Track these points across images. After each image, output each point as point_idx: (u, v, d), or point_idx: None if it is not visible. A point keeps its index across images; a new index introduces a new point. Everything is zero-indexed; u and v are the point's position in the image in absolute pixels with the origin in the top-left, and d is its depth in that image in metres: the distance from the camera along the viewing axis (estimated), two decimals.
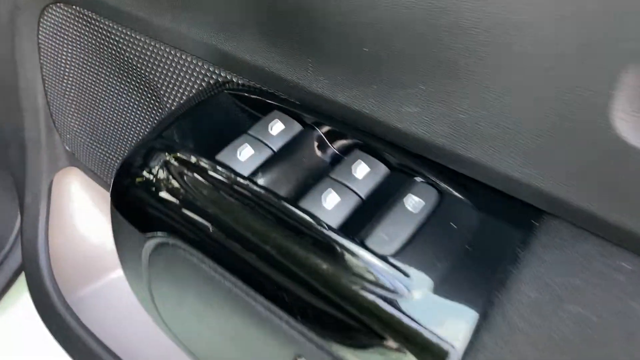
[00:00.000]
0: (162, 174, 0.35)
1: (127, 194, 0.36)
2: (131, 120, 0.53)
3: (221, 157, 0.34)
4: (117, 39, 0.47)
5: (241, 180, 0.32)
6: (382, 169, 0.33)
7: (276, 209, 0.31)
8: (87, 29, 0.50)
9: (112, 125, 0.56)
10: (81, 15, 0.50)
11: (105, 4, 0.46)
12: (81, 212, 0.72)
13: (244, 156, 0.34)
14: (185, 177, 0.34)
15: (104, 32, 0.48)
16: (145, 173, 0.36)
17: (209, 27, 0.38)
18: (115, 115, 0.54)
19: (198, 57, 0.42)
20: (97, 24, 0.49)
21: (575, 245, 0.28)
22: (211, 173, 0.33)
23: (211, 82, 0.42)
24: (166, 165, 0.35)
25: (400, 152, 0.33)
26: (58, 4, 0.52)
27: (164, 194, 0.34)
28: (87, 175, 0.67)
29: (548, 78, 0.25)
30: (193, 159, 0.34)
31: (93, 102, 0.56)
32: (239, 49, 0.37)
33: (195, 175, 0.34)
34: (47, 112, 0.63)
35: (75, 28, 0.52)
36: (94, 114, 0.57)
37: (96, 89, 0.55)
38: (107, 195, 0.68)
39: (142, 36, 0.45)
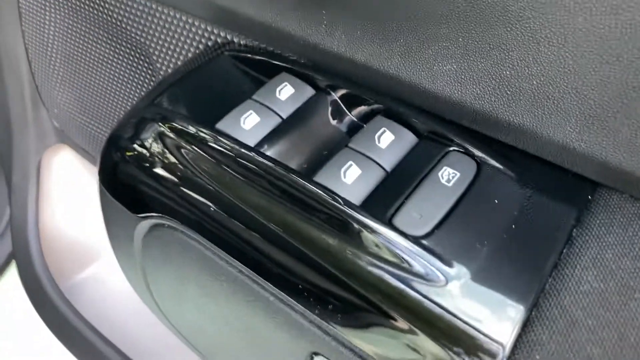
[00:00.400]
0: (155, 147, 0.31)
1: (117, 170, 0.32)
2: (123, 90, 0.48)
3: (222, 125, 0.30)
4: None
5: (246, 152, 0.28)
6: (409, 137, 0.29)
7: (288, 185, 0.27)
8: None
9: (102, 96, 0.51)
10: None
11: None
12: (72, 193, 0.68)
13: (249, 124, 0.30)
14: (182, 150, 0.30)
15: None
16: (136, 146, 0.31)
17: None
18: (105, 85, 0.50)
19: (194, 15, 0.37)
20: None
21: None
22: (211, 144, 0.29)
23: (209, 43, 0.38)
24: (160, 136, 0.31)
25: (430, 117, 0.29)
26: None
27: (158, 170, 0.30)
28: (78, 153, 0.63)
29: (624, 22, 0.20)
30: (191, 129, 0.30)
31: (81, 72, 0.51)
32: (241, 3, 0.33)
33: (194, 147, 0.29)
34: (32, 84, 0.58)
35: None
36: (82, 85, 0.52)
37: (83, 56, 0.50)
38: None
39: None
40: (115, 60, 0.47)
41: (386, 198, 0.26)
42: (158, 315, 0.40)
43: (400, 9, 0.26)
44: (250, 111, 0.30)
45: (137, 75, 0.45)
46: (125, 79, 0.47)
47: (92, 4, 0.44)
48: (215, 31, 0.37)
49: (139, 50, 0.43)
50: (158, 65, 0.42)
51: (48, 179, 0.66)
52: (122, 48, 0.45)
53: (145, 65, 0.44)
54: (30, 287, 0.68)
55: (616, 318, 0.22)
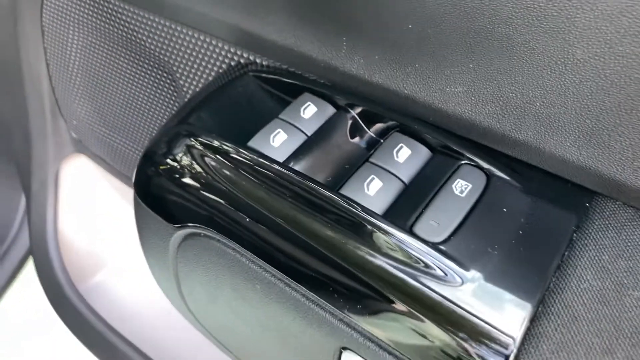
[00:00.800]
0: (190, 162, 0.33)
1: (153, 184, 0.35)
2: (144, 104, 0.51)
3: (254, 143, 0.33)
4: (128, 20, 0.45)
5: (277, 168, 0.31)
6: (424, 152, 0.32)
7: (316, 197, 0.29)
8: (95, 10, 0.48)
9: (123, 110, 0.53)
10: None
11: None
12: (90, 199, 0.70)
13: (278, 142, 0.33)
14: (216, 166, 0.32)
15: (113, 13, 0.46)
16: (172, 161, 0.34)
17: (231, 5, 0.36)
18: (126, 99, 0.52)
19: (218, 37, 0.40)
20: (105, 4, 0.46)
21: (633, 227, 0.27)
22: (245, 161, 0.32)
23: (232, 63, 0.41)
24: (195, 152, 0.33)
25: (442, 133, 0.31)
26: None
27: (194, 184, 0.33)
28: (95, 162, 0.65)
29: (616, 54, 0.23)
30: (224, 146, 0.33)
31: (101, 87, 0.54)
32: (265, 28, 0.35)
33: (228, 163, 0.32)
34: (52, 98, 0.61)
35: (81, 10, 0.49)
36: (103, 99, 0.55)
37: (105, 72, 0.52)
38: (116, 181, 0.66)
39: (156, 16, 0.43)
40: (137, 76, 0.49)
41: (406, 208, 0.29)
42: (188, 317, 0.42)
43: (415, 36, 0.29)
44: (279, 129, 0.33)
45: (159, 90, 0.48)
46: (147, 94, 0.50)
47: (115, 24, 0.47)
48: (239, 52, 0.39)
49: (161, 68, 0.46)
50: (181, 82, 0.45)
51: (66, 186, 0.69)
52: (145, 65, 0.48)
53: (168, 81, 0.46)
54: (49, 289, 0.70)
55: (612, 312, 0.25)
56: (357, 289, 0.27)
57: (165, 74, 0.46)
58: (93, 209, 0.71)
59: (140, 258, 0.73)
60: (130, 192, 0.63)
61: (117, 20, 0.46)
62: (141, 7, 0.43)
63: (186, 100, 0.43)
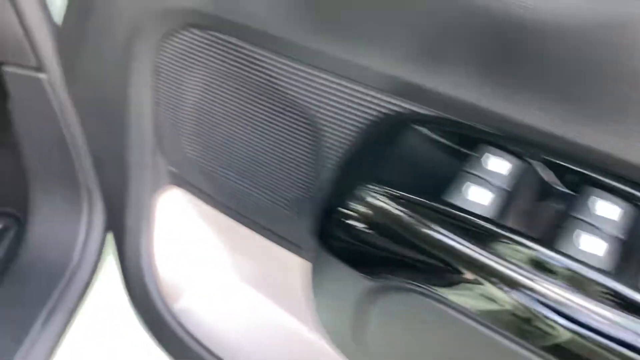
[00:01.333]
0: (384, 216, 0.35)
1: (346, 238, 0.36)
2: (273, 145, 0.52)
3: (448, 197, 0.34)
4: (265, 66, 0.46)
5: (483, 223, 0.32)
6: (627, 207, 0.33)
7: (534, 253, 0.31)
8: (222, 53, 0.49)
9: (247, 150, 0.54)
10: (217, 40, 0.48)
11: (259, 31, 0.44)
12: (185, 230, 0.72)
13: (472, 196, 0.34)
14: (416, 218, 0.34)
15: (245, 57, 0.47)
16: (362, 215, 0.35)
17: (397, 58, 0.37)
18: (250, 139, 0.53)
19: (373, 87, 0.41)
20: (237, 49, 0.47)
21: None
22: (443, 215, 0.33)
23: (384, 111, 0.41)
24: (387, 206, 0.35)
25: (637, 187, 0.33)
26: (189, 29, 0.50)
27: (393, 238, 0.34)
28: (193, 195, 0.67)
29: None
30: (417, 200, 0.34)
31: (220, 126, 0.55)
32: (435, 81, 0.37)
33: (426, 216, 0.34)
34: (154, 132, 0.62)
35: (206, 53, 0.50)
36: (219, 137, 0.56)
37: (227, 113, 0.53)
38: (213, 213, 0.67)
39: (301, 65, 0.44)
40: (269, 120, 0.50)
41: (629, 265, 0.30)
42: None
43: (621, 98, 0.30)
44: (469, 183, 0.34)
45: (295, 135, 0.49)
46: (278, 135, 0.51)
47: (246, 69, 0.48)
48: (392, 101, 0.40)
49: (298, 111, 0.47)
50: (323, 127, 0.45)
51: (162, 218, 0.70)
52: (279, 109, 0.48)
53: (307, 126, 0.47)
54: (145, 313, 0.72)
55: None
56: (592, 349, 0.29)
57: (303, 119, 0.47)
58: (187, 239, 0.72)
59: (237, 285, 0.75)
60: (223, 219, 0.65)
61: (251, 64, 0.47)
62: (285, 56, 0.44)
63: (350, 149, 0.44)
